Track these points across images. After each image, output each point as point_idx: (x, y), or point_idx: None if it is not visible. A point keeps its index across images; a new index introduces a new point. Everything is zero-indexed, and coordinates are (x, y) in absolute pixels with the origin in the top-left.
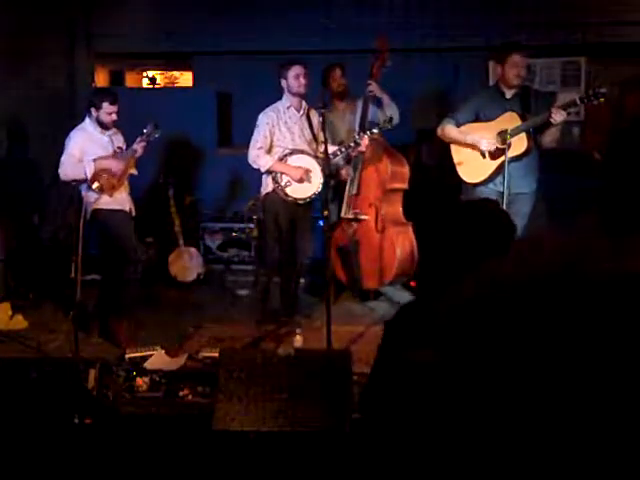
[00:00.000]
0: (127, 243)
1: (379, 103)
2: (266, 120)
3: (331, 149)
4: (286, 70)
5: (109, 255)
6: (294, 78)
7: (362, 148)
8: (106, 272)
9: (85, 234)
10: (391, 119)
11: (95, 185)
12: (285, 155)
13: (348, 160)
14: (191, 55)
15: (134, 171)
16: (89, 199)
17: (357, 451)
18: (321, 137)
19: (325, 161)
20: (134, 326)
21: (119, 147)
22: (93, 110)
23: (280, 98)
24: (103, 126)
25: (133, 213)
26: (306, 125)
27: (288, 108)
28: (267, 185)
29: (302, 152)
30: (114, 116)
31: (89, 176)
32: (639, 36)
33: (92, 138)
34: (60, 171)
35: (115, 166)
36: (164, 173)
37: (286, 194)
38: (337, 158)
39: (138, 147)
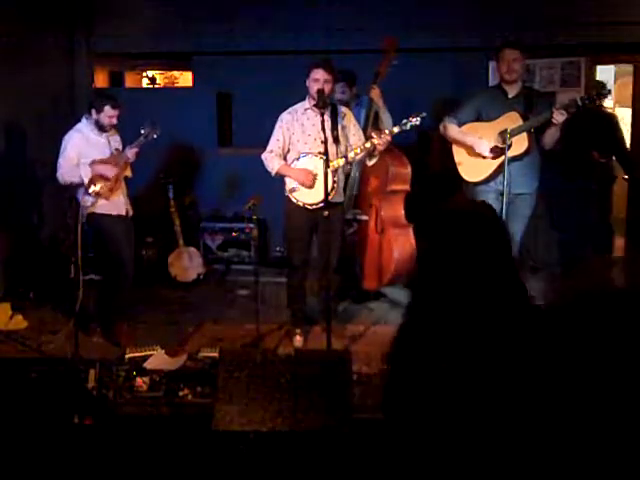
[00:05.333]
0: (121, 249)
1: (375, 111)
2: (280, 123)
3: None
4: (309, 71)
5: (104, 258)
6: (313, 82)
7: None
8: (103, 274)
9: (83, 236)
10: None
11: (92, 189)
12: (294, 159)
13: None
14: (191, 55)
15: (129, 173)
16: (86, 202)
17: (365, 452)
18: (347, 140)
19: (345, 164)
20: (133, 326)
21: (117, 149)
22: (94, 112)
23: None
24: (102, 128)
25: (130, 214)
26: (328, 127)
27: (306, 110)
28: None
29: (316, 156)
30: (114, 120)
31: (86, 180)
32: (639, 36)
33: (89, 140)
34: (58, 175)
35: (111, 171)
36: (164, 173)
37: (296, 199)
38: (359, 157)
39: (130, 154)
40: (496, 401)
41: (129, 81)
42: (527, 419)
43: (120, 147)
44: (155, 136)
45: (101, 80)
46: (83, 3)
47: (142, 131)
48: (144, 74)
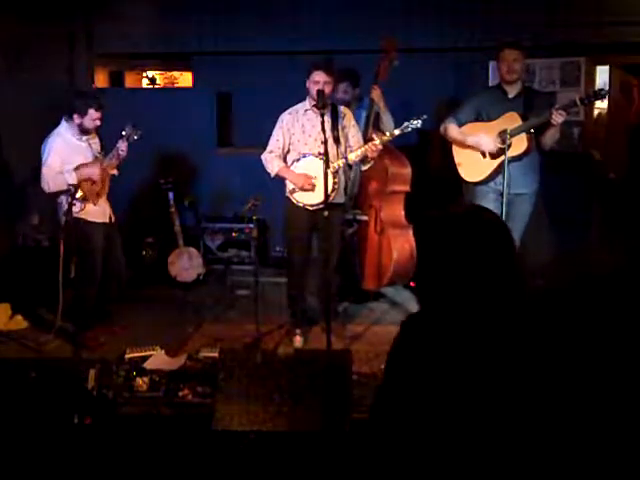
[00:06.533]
0: (95, 258)
1: (376, 111)
2: (280, 123)
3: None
4: (309, 73)
5: (81, 262)
6: (313, 83)
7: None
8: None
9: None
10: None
11: (79, 194)
12: (294, 160)
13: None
14: (191, 55)
15: (115, 172)
16: (73, 209)
17: (359, 452)
18: (347, 140)
19: (344, 166)
20: (117, 330)
21: (99, 152)
22: (76, 116)
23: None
24: (85, 132)
25: (113, 219)
26: (329, 127)
27: (306, 111)
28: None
29: (316, 156)
30: (98, 122)
31: (73, 183)
32: (639, 36)
33: (70, 145)
34: (42, 184)
35: (96, 174)
36: (164, 173)
37: (296, 200)
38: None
39: (120, 151)
40: (495, 400)
41: (129, 81)
42: (525, 419)
43: (99, 150)
44: (136, 137)
45: (101, 80)
46: (83, 3)
47: (123, 132)
48: (144, 74)
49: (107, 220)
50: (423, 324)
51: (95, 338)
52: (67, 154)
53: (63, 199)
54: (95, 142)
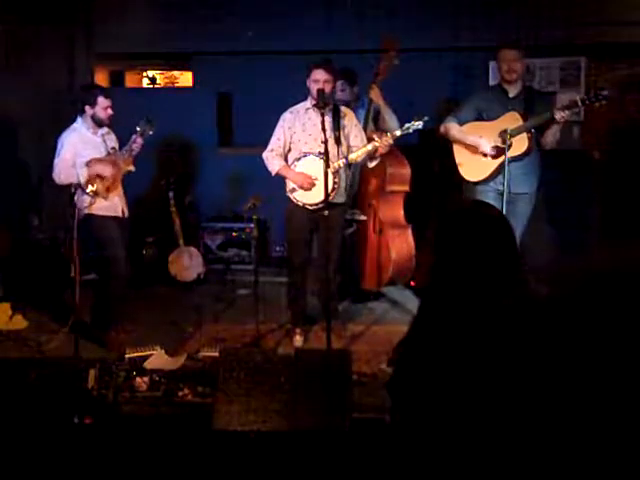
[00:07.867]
0: (117, 250)
1: (376, 110)
2: (281, 122)
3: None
4: (309, 71)
5: (100, 260)
6: (313, 82)
7: (389, 143)
8: (100, 276)
9: (82, 236)
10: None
11: (90, 189)
12: (295, 159)
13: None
14: (191, 55)
15: (132, 168)
16: (83, 203)
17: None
18: (347, 140)
19: (344, 166)
20: (127, 331)
21: (112, 147)
22: (88, 108)
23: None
24: (99, 123)
25: (126, 214)
26: (329, 127)
27: (307, 110)
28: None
29: (317, 156)
30: (110, 110)
31: (83, 181)
32: (639, 36)
33: (85, 139)
34: (54, 175)
35: (108, 170)
36: (164, 173)
37: (296, 199)
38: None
39: (134, 145)
40: (500, 397)
41: (129, 81)
42: (531, 415)
43: (116, 146)
44: (151, 132)
45: (101, 80)
46: (83, 3)
47: (137, 128)
48: (144, 74)
49: (119, 214)
50: (435, 315)
51: (116, 337)
52: (80, 148)
53: (78, 194)
54: (111, 139)
